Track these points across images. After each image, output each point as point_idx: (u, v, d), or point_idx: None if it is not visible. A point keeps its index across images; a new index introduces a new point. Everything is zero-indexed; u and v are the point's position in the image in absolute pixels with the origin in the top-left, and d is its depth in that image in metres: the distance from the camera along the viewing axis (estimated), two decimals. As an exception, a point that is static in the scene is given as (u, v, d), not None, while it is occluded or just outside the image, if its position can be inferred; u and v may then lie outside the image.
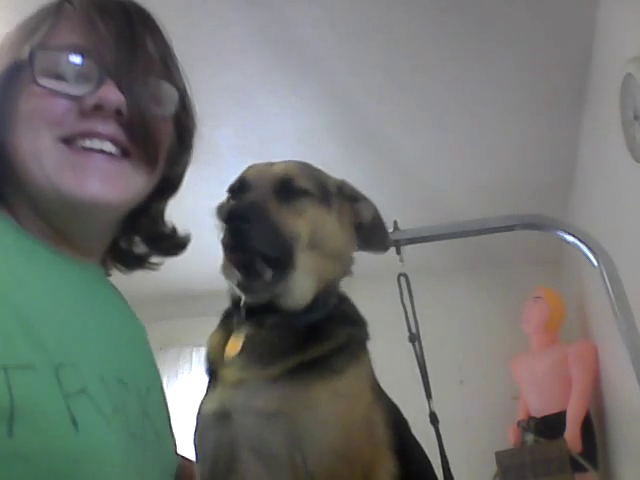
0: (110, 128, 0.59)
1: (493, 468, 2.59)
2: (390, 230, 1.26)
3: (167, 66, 0.68)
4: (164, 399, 0.72)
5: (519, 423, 2.74)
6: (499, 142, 2.48)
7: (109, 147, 0.59)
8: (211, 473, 0.73)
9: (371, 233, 0.87)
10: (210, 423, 0.74)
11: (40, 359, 0.48)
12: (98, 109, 0.58)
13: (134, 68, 0.61)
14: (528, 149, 2.51)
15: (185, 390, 3.18)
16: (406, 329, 1.13)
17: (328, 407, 0.71)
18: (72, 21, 0.62)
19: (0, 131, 0.59)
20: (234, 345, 0.78)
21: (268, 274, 0.71)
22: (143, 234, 0.73)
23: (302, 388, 0.73)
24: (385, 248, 0.90)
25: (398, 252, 1.27)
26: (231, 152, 2.48)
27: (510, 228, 1.29)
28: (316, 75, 2.14)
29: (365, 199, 0.89)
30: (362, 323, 0.83)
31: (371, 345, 0.88)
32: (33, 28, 0.61)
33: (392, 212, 1.68)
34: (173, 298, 3.10)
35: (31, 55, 0.58)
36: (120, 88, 0.60)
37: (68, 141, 0.58)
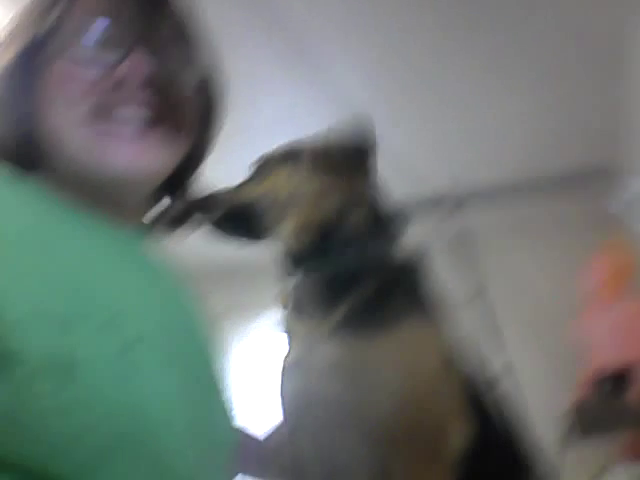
0: (139, 98, 0.58)
1: (568, 422, 2.55)
2: (445, 193, 1.24)
3: (194, 33, 0.66)
4: (219, 354, 0.73)
5: (593, 377, 2.69)
6: (555, 97, 2.38)
7: (139, 117, 0.58)
8: (289, 427, 0.76)
9: (356, 167, 0.86)
10: (283, 378, 0.76)
11: (94, 310, 0.49)
12: (127, 78, 0.57)
13: (162, 34, 0.60)
14: (583, 104, 2.41)
15: (240, 360, 3.26)
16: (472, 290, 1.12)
17: (391, 360, 0.71)
18: None
19: (28, 104, 0.58)
20: (283, 300, 0.82)
21: None
22: (180, 197, 0.74)
23: (364, 338, 0.73)
24: (372, 183, 0.87)
25: (450, 217, 1.25)
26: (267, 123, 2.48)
27: (568, 189, 1.25)
28: (347, 54, 2.09)
29: (342, 137, 0.87)
30: (408, 270, 0.81)
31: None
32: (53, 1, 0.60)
33: (450, 172, 1.65)
34: (225, 270, 3.16)
35: (57, 24, 0.57)
36: (149, 55, 0.58)
37: (98, 113, 0.57)
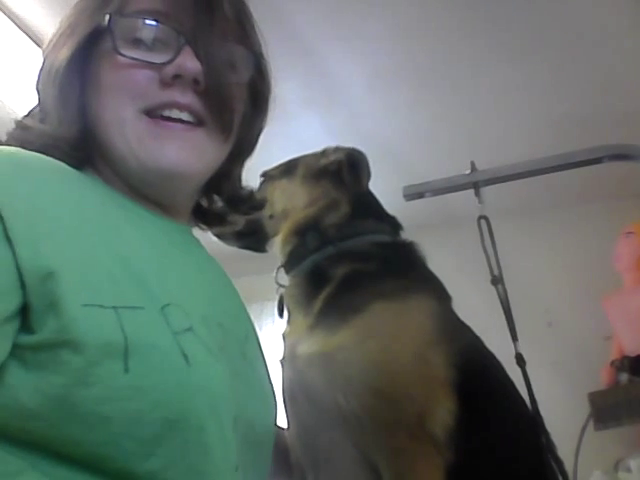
0: (188, 97, 0.60)
1: (586, 409, 2.53)
2: (468, 171, 1.22)
3: (244, 29, 0.67)
4: (261, 349, 0.75)
5: (613, 363, 2.66)
6: (574, 71, 2.32)
7: (186, 116, 0.60)
8: (286, 416, 0.78)
9: (343, 175, 0.95)
10: (280, 371, 0.79)
11: (146, 300, 0.50)
12: (177, 78, 0.59)
13: (211, 34, 0.61)
14: (606, 77, 2.34)
15: (268, 343, 3.29)
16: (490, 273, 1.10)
17: (358, 347, 0.72)
18: None
19: (84, 99, 0.61)
20: (278, 305, 0.91)
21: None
22: (223, 196, 0.75)
23: (330, 331, 0.74)
24: (358, 186, 0.95)
25: (477, 194, 1.23)
26: (297, 105, 2.46)
27: (597, 161, 1.22)
28: (380, 14, 2.06)
29: (333, 152, 0.99)
30: (379, 257, 0.84)
31: (454, 288, 0.87)
32: None
33: (468, 153, 1.62)
34: (255, 254, 3.15)
35: (110, 22, 0.58)
36: (197, 55, 0.60)
37: (149, 112, 0.59)
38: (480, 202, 1.20)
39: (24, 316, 0.45)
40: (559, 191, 2.96)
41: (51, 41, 0.64)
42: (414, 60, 2.27)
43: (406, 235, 0.96)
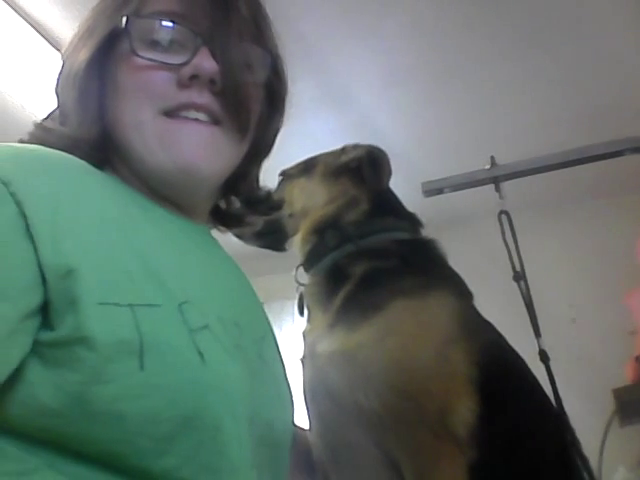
0: (205, 97, 0.60)
1: (611, 405, 2.50)
2: (487, 166, 1.21)
3: (260, 29, 0.67)
4: (278, 349, 0.74)
5: (637, 358, 2.62)
6: (592, 64, 2.29)
7: (203, 116, 0.60)
8: (308, 415, 0.78)
9: (364, 172, 0.95)
10: (301, 369, 0.80)
11: (163, 297, 0.50)
12: (194, 78, 0.59)
13: (228, 34, 0.61)
14: (625, 68, 2.30)
15: (289, 341, 3.30)
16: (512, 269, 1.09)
17: (378, 345, 0.72)
18: None
19: (103, 101, 0.61)
20: (299, 303, 0.91)
21: None
22: (240, 197, 0.75)
23: (350, 329, 0.74)
24: (379, 184, 0.95)
25: (497, 189, 1.22)
26: (312, 103, 2.45)
27: (619, 153, 1.20)
28: (395, 13, 2.05)
29: (353, 149, 0.99)
30: (398, 255, 0.84)
31: (475, 286, 0.86)
32: None
33: (488, 147, 1.61)
34: (275, 253, 3.16)
35: (128, 24, 0.59)
36: (214, 55, 0.60)
37: (168, 113, 0.60)
38: (501, 197, 1.19)
39: (45, 313, 0.45)
40: (581, 185, 2.92)
41: (70, 44, 0.65)
42: (429, 58, 2.25)
43: (425, 232, 0.96)
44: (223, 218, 0.76)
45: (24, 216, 0.45)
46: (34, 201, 0.47)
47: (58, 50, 2.13)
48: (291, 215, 0.97)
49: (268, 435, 0.60)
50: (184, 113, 0.60)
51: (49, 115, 0.67)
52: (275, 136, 0.75)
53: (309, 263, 0.92)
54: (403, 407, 0.69)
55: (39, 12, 2.01)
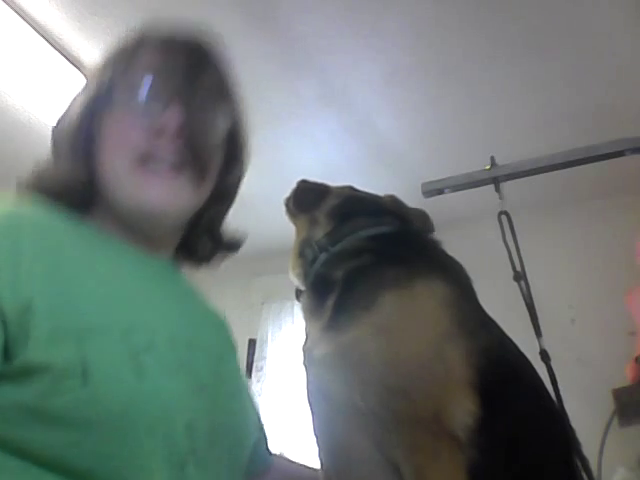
0: (171, 147, 0.70)
1: (611, 405, 2.50)
2: (487, 167, 1.21)
3: (226, 88, 0.79)
4: (238, 368, 0.85)
5: (637, 359, 2.62)
6: (595, 64, 2.29)
7: (169, 164, 0.71)
8: (312, 421, 0.79)
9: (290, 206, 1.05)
10: (302, 376, 0.80)
11: (109, 324, 0.60)
12: (163, 131, 0.69)
13: (196, 93, 0.72)
14: (625, 69, 2.30)
15: (288, 341, 3.30)
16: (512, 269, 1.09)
17: (367, 343, 0.71)
18: (148, 52, 0.74)
19: (90, 150, 0.72)
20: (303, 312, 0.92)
21: None
22: (206, 235, 0.85)
23: (340, 331, 0.74)
24: (297, 210, 1.05)
25: (497, 189, 1.22)
26: (313, 103, 2.46)
27: (619, 154, 1.20)
28: (397, 12, 2.05)
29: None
30: (371, 250, 0.85)
31: (476, 286, 0.86)
32: (115, 60, 0.74)
33: (488, 147, 1.61)
34: (274, 254, 3.18)
35: (110, 84, 0.71)
36: (182, 111, 0.70)
37: (142, 158, 0.70)
38: (500, 197, 1.19)
39: (7, 345, 0.54)
40: (580, 186, 2.92)
41: (74, 98, 0.76)
42: (431, 57, 2.25)
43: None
44: (191, 255, 0.86)
45: None
46: (7, 265, 0.56)
47: (58, 50, 2.14)
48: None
49: (221, 438, 0.68)
50: (152, 163, 0.70)
51: (46, 159, 0.77)
52: (239, 182, 0.86)
53: (302, 284, 0.96)
54: (397, 406, 0.69)
55: (39, 12, 2.01)
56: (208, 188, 0.77)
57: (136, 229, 0.73)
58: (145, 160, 0.70)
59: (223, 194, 0.83)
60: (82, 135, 0.72)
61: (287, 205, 1.08)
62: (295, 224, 1.06)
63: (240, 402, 0.80)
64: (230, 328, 0.91)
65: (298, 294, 0.98)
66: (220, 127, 0.76)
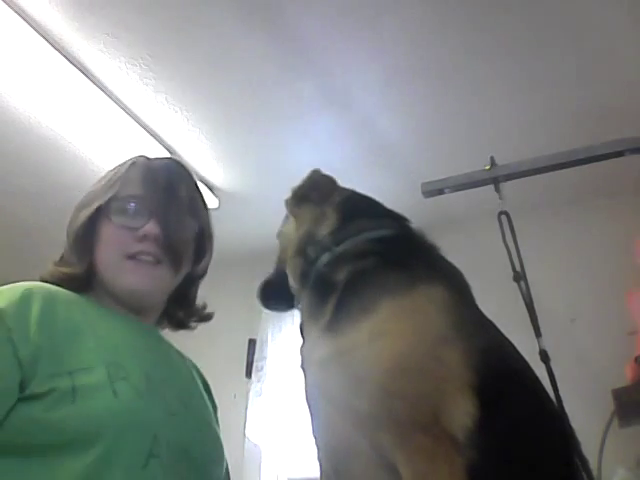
0: (151, 248, 0.97)
1: (610, 406, 2.50)
2: (487, 167, 1.21)
3: (194, 204, 1.07)
4: (205, 404, 1.05)
5: (637, 359, 2.61)
6: (595, 64, 2.29)
7: (150, 259, 0.98)
8: (311, 424, 0.78)
9: (308, 194, 1.08)
10: (301, 377, 0.80)
11: (97, 362, 0.83)
12: (146, 237, 0.97)
13: (170, 210, 1.00)
14: (628, 69, 2.30)
15: (288, 341, 3.30)
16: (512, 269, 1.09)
17: (367, 347, 0.71)
18: (133, 178, 1.01)
19: (91, 248, 1.00)
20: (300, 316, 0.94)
21: None
22: (182, 308, 1.12)
23: (340, 334, 0.74)
24: (319, 200, 1.05)
25: (497, 189, 1.22)
26: (313, 104, 2.46)
27: (619, 154, 1.20)
28: (396, 12, 2.05)
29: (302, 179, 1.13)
30: (376, 253, 0.85)
31: (474, 286, 0.86)
32: (112, 184, 1.01)
33: (487, 149, 1.61)
34: (274, 254, 3.17)
35: (108, 202, 0.99)
36: (159, 223, 0.98)
37: (128, 255, 0.97)
38: (500, 198, 1.19)
39: (22, 381, 0.79)
40: (580, 186, 2.92)
41: (75, 209, 1.03)
42: (431, 57, 2.25)
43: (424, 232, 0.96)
44: (170, 321, 1.13)
45: (11, 338, 0.79)
46: (16, 324, 0.80)
47: (58, 50, 2.13)
48: (283, 260, 1.07)
49: (190, 457, 0.88)
50: (138, 257, 0.97)
51: (61, 257, 1.04)
52: (207, 266, 1.13)
53: (301, 285, 0.95)
54: (398, 409, 0.69)
55: (39, 12, 2.01)
56: (182, 274, 1.04)
57: (126, 304, 0.99)
58: (132, 256, 0.97)
59: (194, 277, 1.11)
60: (84, 238, 0.99)
61: (295, 194, 1.07)
62: (296, 216, 1.05)
63: (209, 433, 0.99)
64: (201, 374, 1.13)
65: (297, 298, 0.97)
66: (188, 232, 1.04)
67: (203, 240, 1.09)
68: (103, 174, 1.08)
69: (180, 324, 1.13)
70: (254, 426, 3.15)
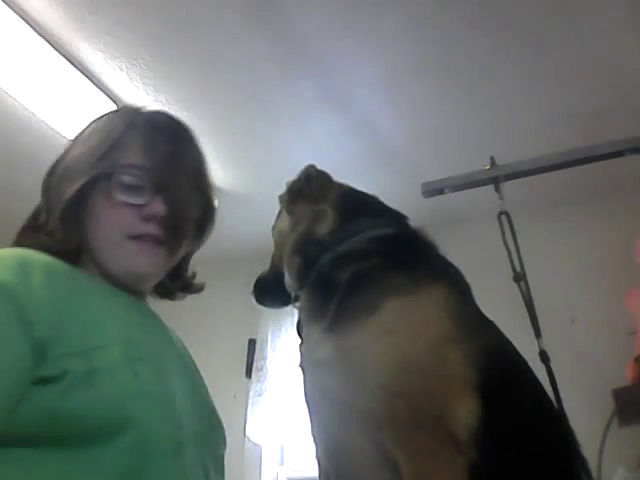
0: (156, 229, 0.87)
1: (610, 405, 2.50)
2: (487, 167, 1.21)
3: (199, 175, 0.96)
4: (203, 384, 0.97)
5: (637, 359, 2.61)
6: (595, 65, 2.28)
7: (152, 240, 0.87)
8: (310, 422, 0.78)
9: (303, 190, 1.06)
10: (301, 377, 0.80)
11: (111, 340, 0.75)
12: (152, 217, 0.86)
13: (176, 186, 0.89)
14: (627, 70, 2.30)
15: (288, 341, 3.30)
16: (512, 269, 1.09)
17: (372, 347, 0.71)
18: (133, 144, 0.88)
19: (81, 222, 0.87)
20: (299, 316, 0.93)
21: None
22: (173, 280, 1.02)
23: (344, 334, 0.74)
24: (315, 196, 1.04)
25: (497, 189, 1.22)
26: (313, 103, 2.46)
27: (619, 154, 1.20)
28: (396, 12, 2.05)
29: (298, 174, 1.10)
30: (380, 253, 0.84)
31: (475, 286, 0.86)
32: (107, 147, 0.87)
33: (488, 147, 1.60)
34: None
35: (106, 172, 0.85)
36: (166, 202, 0.87)
37: (130, 237, 0.86)
38: (500, 197, 1.19)
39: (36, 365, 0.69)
40: (580, 186, 2.92)
41: (63, 170, 0.90)
42: (431, 57, 2.25)
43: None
44: (159, 291, 1.03)
45: (21, 315, 0.69)
46: (31, 301, 0.70)
47: (57, 50, 2.13)
48: (280, 258, 1.05)
49: (204, 441, 0.83)
50: (140, 239, 0.86)
51: (33, 215, 0.92)
52: (204, 242, 1.04)
53: (299, 284, 0.94)
54: (400, 408, 0.69)
55: (39, 12, 2.01)
56: (181, 254, 0.96)
57: (121, 283, 0.89)
58: (135, 237, 0.87)
59: (190, 255, 1.03)
60: (74, 211, 0.87)
61: (290, 189, 1.06)
62: (291, 213, 1.03)
63: (216, 415, 0.93)
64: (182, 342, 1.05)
65: (295, 298, 0.97)
66: (194, 211, 0.94)
67: (207, 216, 0.99)
68: (88, 128, 0.95)
69: (167, 294, 1.04)
70: (254, 426, 3.15)
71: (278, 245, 1.09)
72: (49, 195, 0.90)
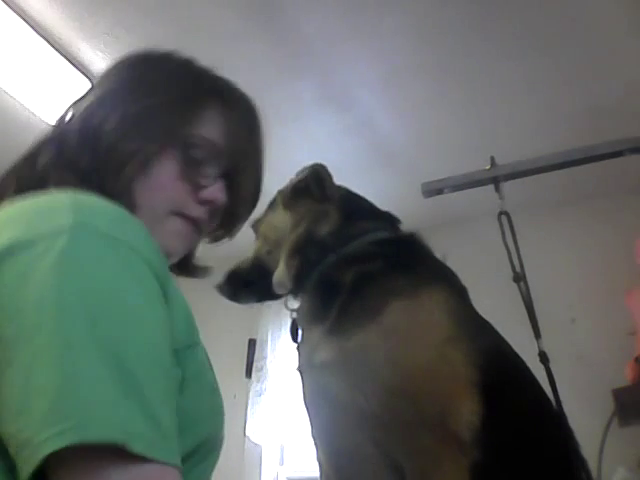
0: (206, 215, 0.78)
1: (610, 406, 2.50)
2: (487, 167, 1.21)
3: (261, 174, 0.87)
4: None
5: (637, 359, 2.61)
6: (595, 64, 2.28)
7: (196, 224, 0.77)
8: (310, 423, 0.78)
9: (311, 188, 1.02)
10: (300, 379, 0.80)
11: (189, 342, 0.62)
12: (208, 203, 0.77)
13: (241, 177, 0.80)
14: (628, 69, 2.30)
15: (288, 341, 3.31)
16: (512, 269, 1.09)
17: (375, 348, 0.72)
18: (214, 118, 0.78)
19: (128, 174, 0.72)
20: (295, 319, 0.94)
21: None
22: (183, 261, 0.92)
23: (346, 336, 0.74)
24: (324, 196, 1.01)
25: (497, 189, 1.22)
26: (313, 104, 2.45)
27: (618, 154, 1.20)
28: (396, 12, 2.05)
29: (301, 171, 1.06)
30: (382, 255, 0.85)
31: (474, 287, 0.86)
32: (189, 108, 0.77)
33: (488, 147, 1.60)
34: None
35: (183, 145, 0.74)
36: (228, 191, 0.78)
37: (175, 212, 0.75)
38: (500, 197, 1.19)
39: None
40: (580, 186, 2.92)
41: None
42: (431, 57, 2.25)
43: (424, 232, 0.96)
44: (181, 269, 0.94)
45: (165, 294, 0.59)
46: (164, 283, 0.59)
47: (57, 50, 2.13)
48: (269, 252, 1.02)
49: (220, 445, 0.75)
50: (184, 222, 0.76)
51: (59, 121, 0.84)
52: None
53: (297, 286, 0.93)
54: (403, 409, 0.69)
55: (39, 12, 2.01)
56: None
57: None
58: (178, 213, 0.75)
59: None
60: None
61: (295, 186, 1.02)
62: (291, 210, 1.01)
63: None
64: None
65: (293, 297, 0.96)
66: (250, 208, 0.86)
67: (246, 217, 0.88)
68: (153, 69, 0.88)
69: (188, 272, 0.92)
70: (254, 426, 3.15)
71: (268, 240, 1.04)
72: (101, 133, 0.76)
